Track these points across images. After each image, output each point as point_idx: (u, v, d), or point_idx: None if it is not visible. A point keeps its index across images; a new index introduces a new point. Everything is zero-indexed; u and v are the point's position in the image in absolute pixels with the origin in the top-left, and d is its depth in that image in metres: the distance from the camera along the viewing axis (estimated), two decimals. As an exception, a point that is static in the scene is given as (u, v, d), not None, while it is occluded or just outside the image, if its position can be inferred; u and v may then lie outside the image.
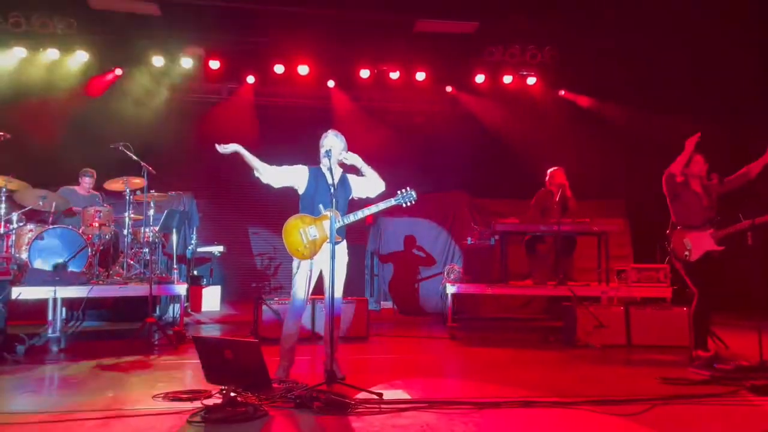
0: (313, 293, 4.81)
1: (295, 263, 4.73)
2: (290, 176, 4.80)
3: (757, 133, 5.59)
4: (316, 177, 4.79)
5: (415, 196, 4.80)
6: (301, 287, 4.70)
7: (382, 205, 4.83)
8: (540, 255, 8.00)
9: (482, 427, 3.49)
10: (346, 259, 4.83)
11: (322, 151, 4.78)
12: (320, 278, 4.82)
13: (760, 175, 5.49)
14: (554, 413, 3.85)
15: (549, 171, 8.03)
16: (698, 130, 5.62)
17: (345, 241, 4.81)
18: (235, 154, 4.60)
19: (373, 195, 4.97)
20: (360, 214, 4.74)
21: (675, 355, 5.98)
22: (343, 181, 4.89)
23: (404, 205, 4.82)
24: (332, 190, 4.59)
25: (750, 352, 5.32)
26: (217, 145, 4.58)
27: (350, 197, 4.93)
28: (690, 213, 5.57)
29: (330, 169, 4.61)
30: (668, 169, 5.62)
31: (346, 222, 4.70)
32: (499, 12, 10.75)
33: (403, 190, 4.80)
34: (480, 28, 11.02)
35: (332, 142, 4.79)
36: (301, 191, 4.83)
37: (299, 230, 4.62)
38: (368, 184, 4.92)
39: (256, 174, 4.72)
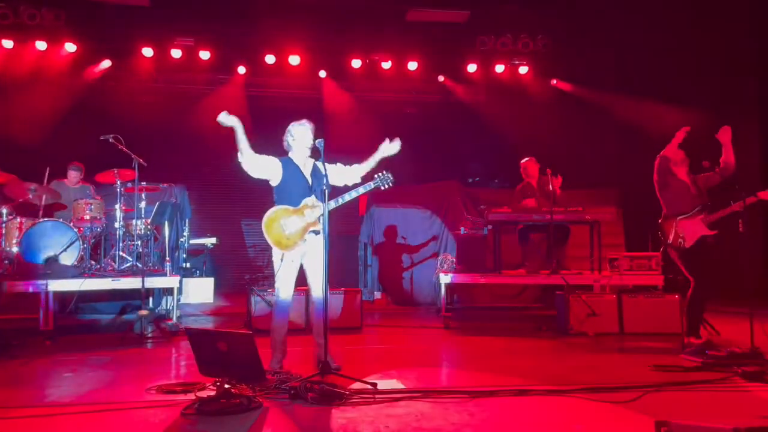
0: (297, 285, 4.78)
1: (277, 256, 4.68)
2: (266, 169, 4.73)
3: (747, 121, 5.57)
4: (289, 168, 4.75)
5: (392, 178, 4.82)
6: (286, 281, 4.67)
7: (361, 190, 4.81)
8: (533, 244, 8.01)
9: (476, 416, 3.50)
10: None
11: (308, 142, 4.73)
12: (303, 269, 4.78)
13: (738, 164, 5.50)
14: (548, 401, 3.87)
15: (522, 162, 8.06)
16: (687, 118, 5.63)
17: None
18: (230, 130, 4.52)
19: (350, 183, 4.91)
20: (341, 200, 4.72)
21: (667, 342, 6.01)
22: (315, 169, 4.84)
23: (383, 187, 4.83)
24: (325, 180, 4.57)
25: (742, 338, 5.35)
26: (221, 114, 4.51)
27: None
28: (680, 201, 5.58)
29: (323, 161, 4.60)
30: (662, 152, 5.62)
31: (328, 209, 4.66)
32: (490, 1, 10.72)
33: (381, 174, 4.81)
34: (471, 17, 10.98)
35: (310, 132, 4.77)
36: (274, 183, 4.77)
37: (280, 222, 4.60)
38: (347, 172, 4.89)
39: (240, 158, 4.63)
